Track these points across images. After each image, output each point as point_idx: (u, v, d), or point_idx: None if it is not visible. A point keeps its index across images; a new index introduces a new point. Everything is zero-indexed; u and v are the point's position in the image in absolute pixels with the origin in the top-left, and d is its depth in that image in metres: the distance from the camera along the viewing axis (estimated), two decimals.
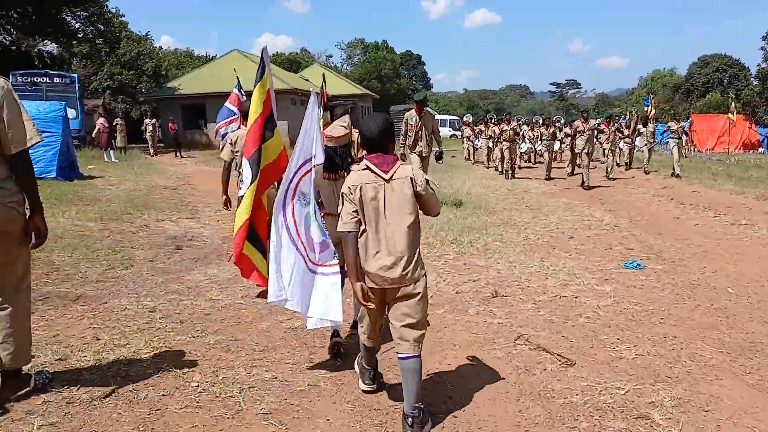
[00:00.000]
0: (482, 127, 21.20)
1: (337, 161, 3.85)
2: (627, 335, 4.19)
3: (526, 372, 3.57)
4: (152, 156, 23.48)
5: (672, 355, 3.82)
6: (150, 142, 24.43)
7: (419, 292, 2.93)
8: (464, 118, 38.47)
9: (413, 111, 9.84)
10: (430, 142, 9.76)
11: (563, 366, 3.64)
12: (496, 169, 17.63)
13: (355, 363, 3.57)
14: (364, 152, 3.08)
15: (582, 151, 13.41)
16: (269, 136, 5.42)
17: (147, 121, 24.72)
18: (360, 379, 3.44)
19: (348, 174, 3.20)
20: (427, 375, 3.56)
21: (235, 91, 10.06)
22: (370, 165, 2.95)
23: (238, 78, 10.81)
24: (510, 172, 16.12)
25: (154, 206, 10.19)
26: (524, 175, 17.14)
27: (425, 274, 3.00)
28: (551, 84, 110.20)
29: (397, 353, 2.96)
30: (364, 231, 2.92)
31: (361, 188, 2.91)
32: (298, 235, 3.66)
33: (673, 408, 3.08)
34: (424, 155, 9.79)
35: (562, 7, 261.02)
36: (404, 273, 2.88)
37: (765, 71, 33.63)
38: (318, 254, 3.63)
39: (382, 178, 2.92)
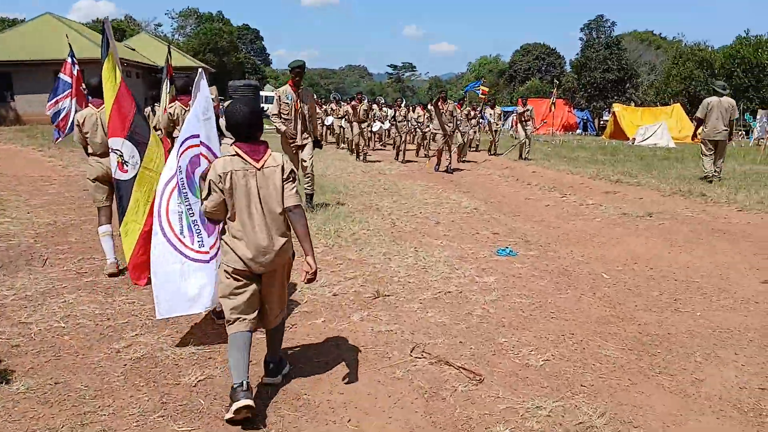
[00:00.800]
0: (333, 105, 20.48)
1: None
2: (525, 336, 3.87)
3: (434, 396, 3.05)
4: None
5: (577, 357, 3.54)
6: None
7: (288, 273, 3.13)
8: None
9: (288, 87, 7.45)
10: (308, 128, 7.64)
11: (473, 383, 3.18)
12: (351, 151, 17.11)
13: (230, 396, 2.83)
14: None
15: (442, 133, 13.27)
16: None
17: None
18: (232, 401, 2.73)
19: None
20: (318, 409, 2.90)
21: (69, 60, 9.02)
22: (240, 152, 2.92)
23: (70, 45, 9.76)
24: (363, 154, 15.69)
25: None
26: (375, 157, 16.89)
27: (293, 253, 3.11)
28: (389, 66, 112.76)
29: (266, 328, 3.15)
30: (235, 217, 2.91)
31: (231, 175, 2.87)
32: (170, 224, 3.64)
33: (605, 427, 2.74)
34: (303, 144, 7.60)
35: None
36: (278, 258, 2.95)
37: (580, 61, 37.00)
38: (189, 238, 3.64)
39: (253, 165, 2.91)
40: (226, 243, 2.94)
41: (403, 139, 16.54)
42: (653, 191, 10.25)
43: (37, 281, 4.82)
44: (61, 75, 9.18)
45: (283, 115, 7.47)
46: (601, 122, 38.46)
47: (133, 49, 36.15)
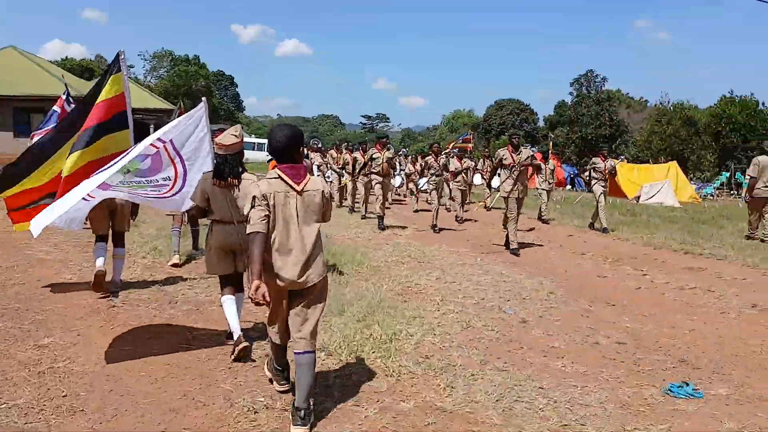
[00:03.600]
0: (333, 152, 16.63)
1: (227, 169, 4.06)
2: None
3: None
4: None
5: None
6: None
7: (319, 292, 3.20)
8: None
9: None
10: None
11: None
12: (352, 209, 14.22)
13: (265, 368, 3.63)
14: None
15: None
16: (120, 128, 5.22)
17: None
18: (274, 382, 3.46)
19: (238, 182, 4.05)
20: None
21: (63, 97, 8.63)
22: (283, 175, 3.12)
23: (66, 85, 9.66)
24: (382, 217, 11.59)
25: None
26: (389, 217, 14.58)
27: (326, 275, 3.24)
28: (362, 116, 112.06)
29: (295, 351, 3.13)
30: (274, 236, 3.08)
31: (274, 196, 3.07)
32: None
33: None
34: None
35: (368, 48, 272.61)
36: (311, 274, 3.11)
37: (570, 116, 36.06)
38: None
39: (294, 189, 3.11)
40: (267, 260, 3.06)
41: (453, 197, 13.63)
42: (745, 267, 8.26)
43: None
44: (55, 107, 8.53)
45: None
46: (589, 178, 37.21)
47: None
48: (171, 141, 4.37)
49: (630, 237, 11.21)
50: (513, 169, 8.85)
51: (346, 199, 15.30)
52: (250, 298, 3.01)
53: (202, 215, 4.24)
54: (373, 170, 11.46)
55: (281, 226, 3.06)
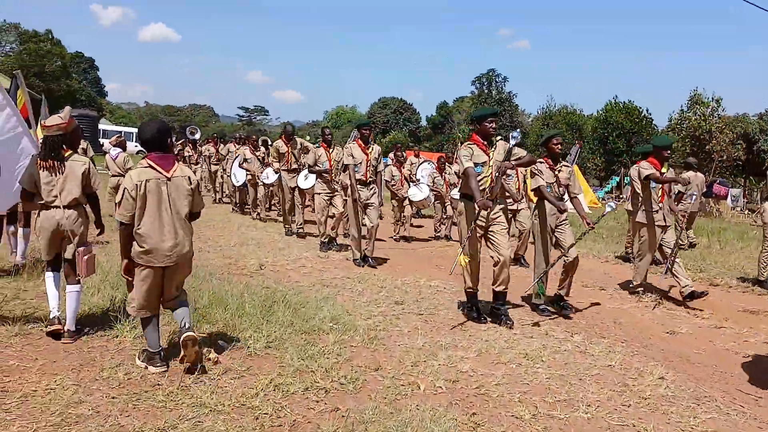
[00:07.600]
0: (212, 146, 15.78)
1: (46, 151, 4.05)
2: None
3: None
4: None
5: None
6: None
7: (188, 263, 3.71)
8: None
9: None
10: None
11: None
12: (243, 211, 12.71)
13: (137, 360, 3.68)
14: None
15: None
16: None
17: None
18: (150, 367, 3.58)
19: (60, 164, 4.02)
20: None
21: None
22: (152, 163, 3.51)
23: None
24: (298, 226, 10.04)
25: None
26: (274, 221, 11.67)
27: (192, 252, 3.73)
28: (240, 108, 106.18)
29: (175, 310, 3.67)
30: (148, 219, 3.44)
31: (145, 183, 3.43)
32: None
33: None
34: None
35: (241, 38, 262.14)
36: (183, 252, 3.57)
37: (435, 118, 34.89)
38: None
39: (164, 175, 3.50)
40: (137, 242, 3.45)
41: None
42: None
43: None
44: None
45: None
46: None
47: None
48: None
49: (606, 257, 9.46)
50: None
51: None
52: (122, 274, 3.55)
53: (30, 199, 4.16)
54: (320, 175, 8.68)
55: (155, 210, 3.45)
